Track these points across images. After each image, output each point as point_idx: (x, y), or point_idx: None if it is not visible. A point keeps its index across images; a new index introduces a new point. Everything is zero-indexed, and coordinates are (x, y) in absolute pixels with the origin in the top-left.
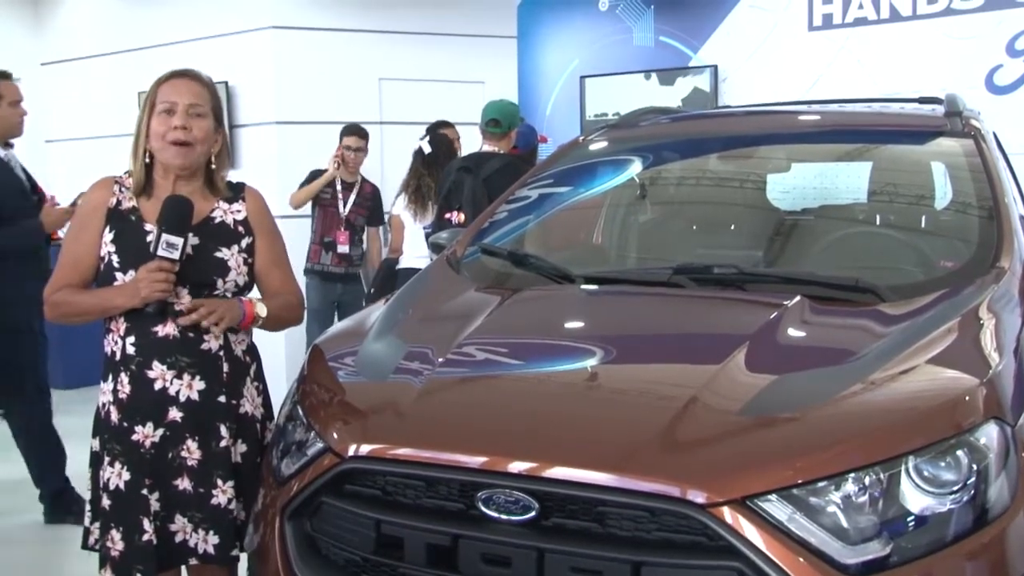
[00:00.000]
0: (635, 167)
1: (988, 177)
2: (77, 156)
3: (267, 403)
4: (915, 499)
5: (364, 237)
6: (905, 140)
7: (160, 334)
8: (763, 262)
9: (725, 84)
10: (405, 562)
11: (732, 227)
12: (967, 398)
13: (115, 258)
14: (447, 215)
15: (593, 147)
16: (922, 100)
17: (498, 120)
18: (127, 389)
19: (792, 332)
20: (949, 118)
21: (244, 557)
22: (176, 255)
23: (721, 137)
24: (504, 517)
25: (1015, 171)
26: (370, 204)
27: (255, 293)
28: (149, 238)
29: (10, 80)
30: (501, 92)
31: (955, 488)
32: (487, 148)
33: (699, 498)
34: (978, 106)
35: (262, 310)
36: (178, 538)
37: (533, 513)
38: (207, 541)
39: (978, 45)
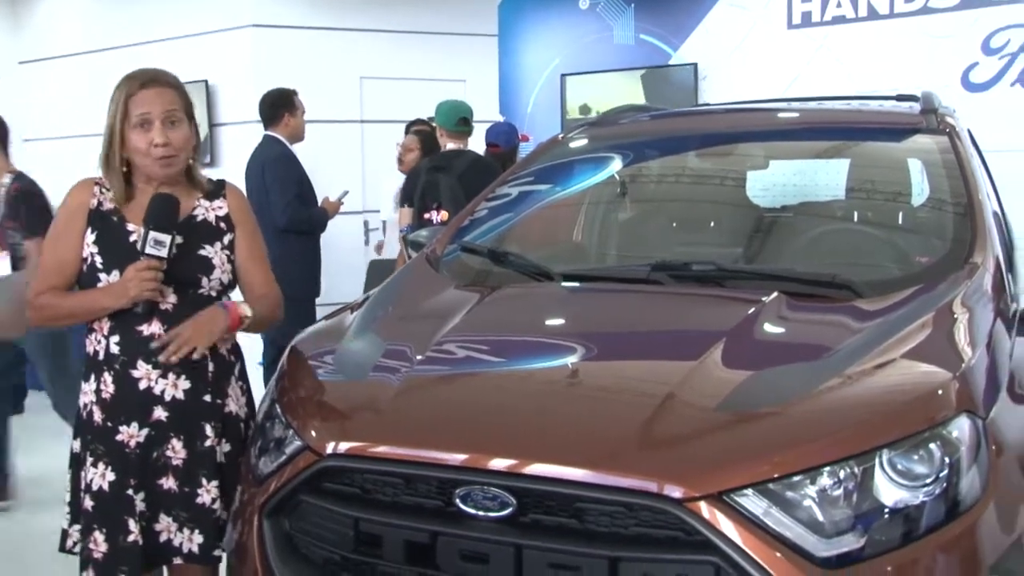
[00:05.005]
0: (615, 165)
1: (962, 174)
2: (56, 155)
3: (251, 402)
4: (889, 492)
5: None
6: (881, 137)
7: (145, 333)
8: (742, 259)
9: (705, 82)
10: (384, 560)
11: (712, 224)
12: (940, 392)
13: (98, 259)
14: (427, 215)
15: (573, 145)
16: (899, 98)
17: (468, 119)
18: (111, 389)
19: (769, 328)
20: (925, 115)
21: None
22: (164, 252)
23: (700, 135)
24: (482, 514)
25: (989, 168)
26: None
27: (236, 294)
28: (132, 238)
29: None
30: (482, 90)
31: (928, 481)
32: (452, 147)
33: (676, 493)
34: (954, 104)
35: (247, 311)
36: (163, 537)
37: (511, 509)
38: (192, 540)
39: (954, 43)
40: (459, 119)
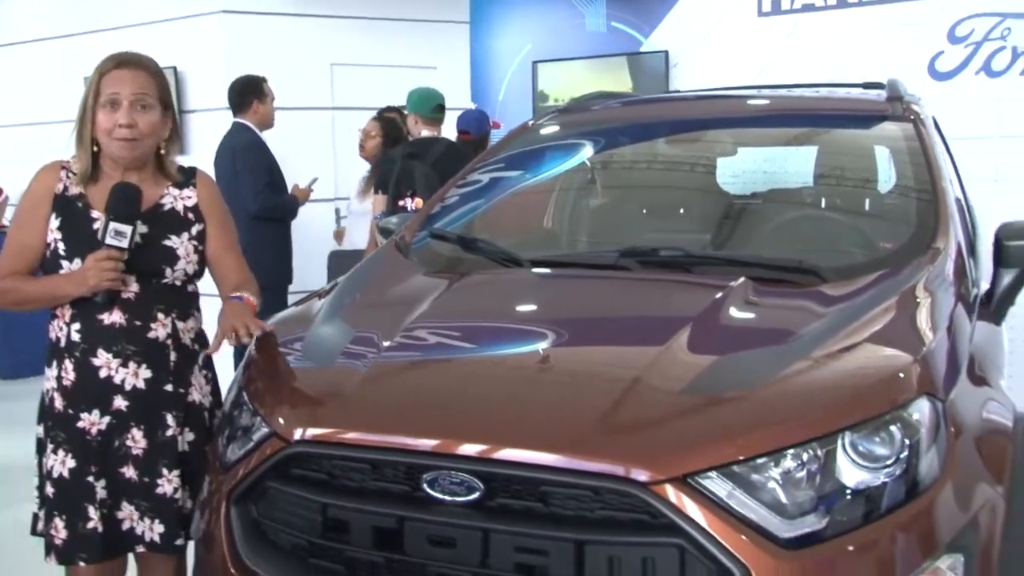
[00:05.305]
0: (585, 151)
1: (926, 161)
2: (24, 141)
3: (216, 391)
4: (850, 474)
5: None
6: (847, 124)
7: (106, 322)
8: (711, 245)
9: (676, 69)
10: (352, 545)
11: (681, 211)
12: (901, 375)
13: (61, 245)
14: (401, 203)
15: (543, 131)
16: (866, 85)
17: (443, 106)
18: (71, 376)
19: (735, 313)
20: (890, 103)
21: (191, 544)
22: (124, 243)
23: (669, 122)
24: (449, 498)
25: (953, 155)
26: None
27: (206, 284)
28: (96, 225)
29: None
30: (454, 77)
31: (889, 463)
32: (427, 134)
33: (641, 476)
34: (921, 92)
35: (255, 299)
36: (125, 525)
37: (478, 494)
38: (153, 530)
39: (921, 32)
40: (436, 106)
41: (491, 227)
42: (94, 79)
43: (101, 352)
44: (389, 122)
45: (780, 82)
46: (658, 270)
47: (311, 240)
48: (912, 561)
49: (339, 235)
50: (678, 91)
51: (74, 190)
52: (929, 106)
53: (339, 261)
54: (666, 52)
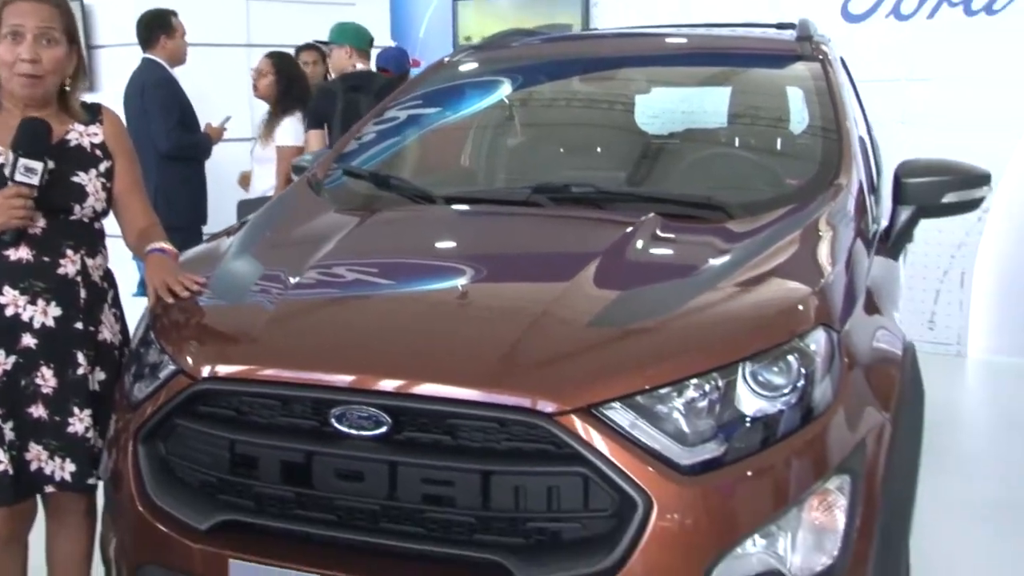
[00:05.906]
0: (503, 89)
1: (832, 100)
2: None
3: (124, 329)
4: (749, 402)
5: None
6: (759, 64)
7: (12, 258)
8: (626, 183)
9: (596, 8)
10: (260, 481)
11: (599, 149)
12: (800, 307)
13: None
14: None
15: (460, 68)
16: (779, 26)
17: (372, 40)
18: None
19: (642, 248)
20: (800, 42)
21: (102, 486)
22: (35, 180)
23: (586, 60)
24: (356, 432)
25: (860, 95)
26: None
27: (110, 222)
28: (0, 160)
29: None
30: (373, 14)
31: (785, 391)
32: (361, 67)
33: (547, 408)
34: (833, 34)
35: (171, 247)
36: (33, 466)
37: (386, 428)
38: (63, 469)
39: None
40: (370, 39)
41: (406, 165)
42: None
43: (7, 290)
44: (283, 58)
45: (698, 21)
46: (570, 206)
47: (225, 181)
48: (804, 483)
49: (245, 180)
50: (595, 29)
51: None
52: (841, 48)
53: (248, 210)
54: None
